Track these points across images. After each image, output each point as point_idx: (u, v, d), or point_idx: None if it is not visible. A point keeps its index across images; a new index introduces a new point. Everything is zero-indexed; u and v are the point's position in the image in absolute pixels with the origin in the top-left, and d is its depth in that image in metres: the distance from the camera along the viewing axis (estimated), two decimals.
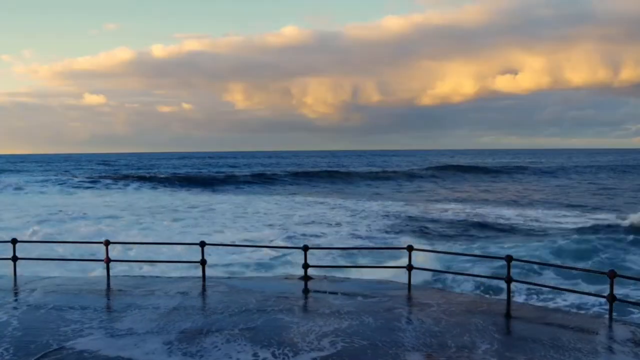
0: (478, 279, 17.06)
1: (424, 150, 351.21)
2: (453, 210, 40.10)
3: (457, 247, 26.09)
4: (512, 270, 10.29)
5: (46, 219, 34.10)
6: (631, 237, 26.81)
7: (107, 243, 12.54)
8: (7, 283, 12.05)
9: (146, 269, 16.58)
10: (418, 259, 12.69)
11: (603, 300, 10.19)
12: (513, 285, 10.70)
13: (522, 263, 17.01)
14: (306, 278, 11.95)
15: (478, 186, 67.37)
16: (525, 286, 16.05)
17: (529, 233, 30.19)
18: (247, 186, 67.01)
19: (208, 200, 48.22)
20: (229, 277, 13.79)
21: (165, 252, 19.65)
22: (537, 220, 34.75)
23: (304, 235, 28.68)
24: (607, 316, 9.40)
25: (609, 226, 31.20)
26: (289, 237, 27.86)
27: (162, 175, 75.24)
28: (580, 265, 20.97)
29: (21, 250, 13.34)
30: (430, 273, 13.64)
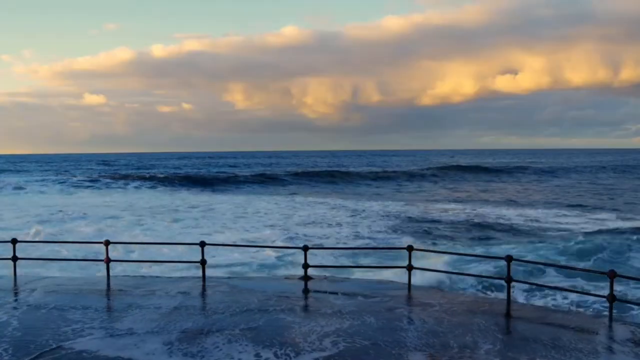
0: (479, 279, 17.05)
1: (424, 150, 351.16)
2: (454, 211, 40.09)
3: (457, 247, 26.08)
4: (517, 271, 10.29)
5: (46, 219, 34.08)
6: (635, 237, 26.81)
7: (107, 243, 12.53)
8: (7, 283, 12.04)
9: (146, 269, 16.57)
10: (419, 259, 12.70)
11: (603, 300, 10.18)
12: (514, 285, 10.70)
13: (525, 264, 17.01)
14: (306, 278, 11.95)
15: (478, 186, 67.36)
16: (526, 286, 16.04)
17: (530, 233, 30.17)
18: (247, 186, 66.98)
19: (208, 200, 48.20)
20: (229, 277, 13.78)
21: (165, 252, 19.65)
22: (537, 221, 34.73)
23: (304, 235, 28.66)
24: (607, 315, 9.39)
25: (616, 228, 31.12)
26: (290, 238, 27.84)
27: (162, 175, 75.18)
28: (582, 265, 20.97)
29: (21, 250, 13.35)
30: (430, 273, 13.61)
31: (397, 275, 14.27)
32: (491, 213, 38.51)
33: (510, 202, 47.24)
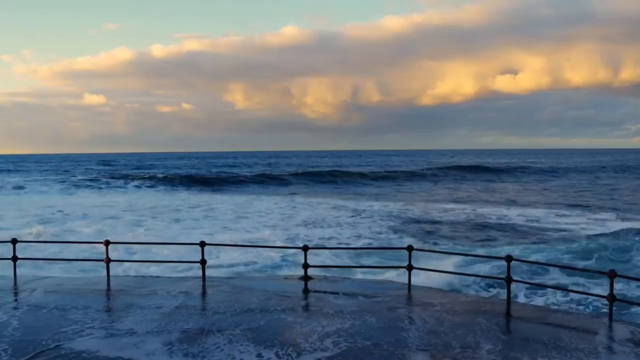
0: (479, 279, 17.06)
1: (424, 150, 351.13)
2: (454, 211, 40.08)
3: (458, 247, 26.08)
4: (517, 271, 10.29)
5: (46, 219, 34.10)
6: (636, 237, 26.81)
7: (107, 243, 12.53)
8: (7, 283, 12.03)
9: (146, 269, 16.57)
10: (420, 259, 12.69)
11: (603, 300, 10.18)
12: (515, 285, 10.70)
13: (525, 264, 17.01)
14: (306, 278, 11.94)
15: (479, 186, 67.36)
16: (527, 286, 16.04)
17: (530, 233, 30.16)
18: (247, 186, 66.99)
19: (208, 200, 48.21)
20: (229, 278, 13.78)
21: (166, 253, 19.65)
22: (537, 221, 34.72)
23: (305, 236, 28.66)
24: (607, 315, 9.39)
25: (616, 228, 31.11)
26: (290, 238, 27.84)
27: (162, 175, 75.15)
28: (583, 265, 20.97)
29: (21, 251, 13.34)
30: (430, 273, 13.61)
31: (397, 276, 14.28)
32: (492, 213, 38.50)
33: (511, 202, 47.23)
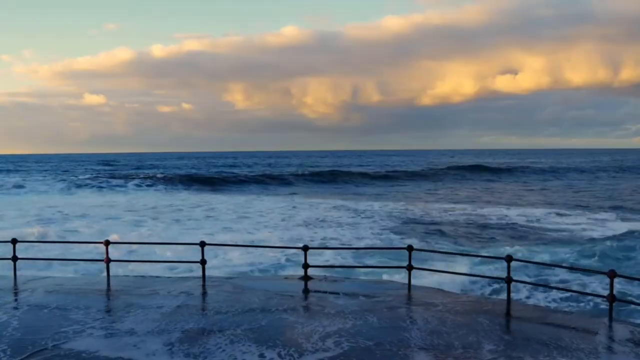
0: (479, 279, 17.05)
1: (424, 150, 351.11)
2: (454, 211, 40.08)
3: (458, 247, 26.09)
4: (517, 271, 10.29)
5: (46, 219, 34.11)
6: (636, 237, 26.79)
7: (107, 243, 12.53)
8: (7, 283, 12.03)
9: (147, 269, 16.57)
10: (420, 260, 12.69)
11: (603, 299, 10.18)
12: (515, 285, 10.70)
13: (526, 264, 17.00)
14: (306, 278, 11.94)
15: (479, 186, 67.37)
16: (527, 286, 16.05)
17: (531, 233, 30.16)
18: (247, 186, 67.00)
19: (209, 200, 48.21)
20: (229, 277, 13.78)
21: (166, 253, 19.65)
22: (538, 220, 34.74)
23: (305, 236, 28.66)
24: (607, 315, 9.38)
25: (616, 228, 31.10)
26: (290, 238, 27.84)
27: (162, 175, 75.15)
28: (583, 265, 20.97)
29: (21, 251, 13.34)
30: (431, 273, 13.62)
31: (398, 276, 14.28)
32: (492, 213, 38.51)
33: (511, 202, 47.23)
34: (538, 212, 39.10)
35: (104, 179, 70.13)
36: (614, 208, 41.63)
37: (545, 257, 22.78)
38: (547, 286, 15.84)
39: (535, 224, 33.30)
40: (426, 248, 22.79)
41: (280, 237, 28.23)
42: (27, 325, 8.81)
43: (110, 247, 12.52)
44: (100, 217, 35.01)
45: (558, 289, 15.67)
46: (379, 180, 77.30)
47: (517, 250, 24.06)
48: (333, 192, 60.65)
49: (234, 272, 18.35)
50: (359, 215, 37.15)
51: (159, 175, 74.87)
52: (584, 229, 30.76)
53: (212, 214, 38.02)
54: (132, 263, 16.10)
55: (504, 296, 10.78)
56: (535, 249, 25.13)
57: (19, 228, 28.80)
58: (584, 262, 21.95)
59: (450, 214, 38.01)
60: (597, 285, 17.40)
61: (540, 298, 16.28)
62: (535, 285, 15.39)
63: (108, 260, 12.42)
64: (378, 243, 27.04)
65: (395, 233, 29.98)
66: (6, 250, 13.35)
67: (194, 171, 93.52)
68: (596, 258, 22.71)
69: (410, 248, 11.49)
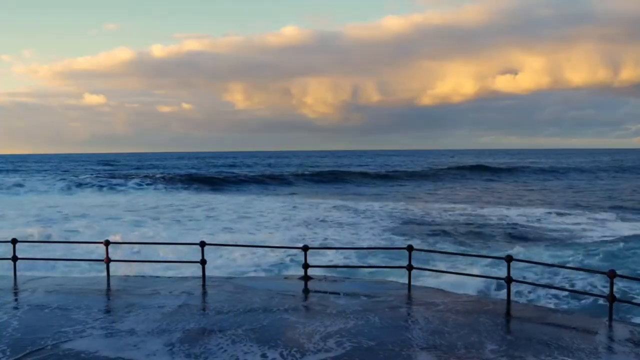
0: (479, 279, 17.04)
1: (424, 150, 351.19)
2: (454, 211, 40.07)
3: (458, 247, 26.09)
4: (517, 271, 10.30)
5: (46, 219, 34.10)
6: (636, 237, 26.82)
7: (107, 243, 12.54)
8: (7, 283, 12.04)
9: (147, 269, 16.57)
10: (420, 260, 12.70)
11: (603, 299, 10.18)
12: (515, 285, 10.70)
13: (526, 264, 17.00)
14: (306, 278, 11.94)
15: (479, 186, 67.37)
16: (527, 286, 16.04)
17: (531, 233, 30.17)
18: (247, 186, 66.98)
19: (209, 200, 48.21)
20: (230, 277, 13.78)
21: (166, 252, 19.64)
22: (538, 220, 34.74)
23: (305, 236, 28.67)
24: (607, 315, 9.39)
25: (616, 228, 31.12)
26: (291, 238, 27.84)
27: (162, 175, 75.12)
28: (583, 265, 20.97)
29: (21, 251, 13.34)
30: (432, 273, 13.63)
31: (398, 276, 14.26)
32: (492, 213, 38.50)
33: (511, 202, 47.23)
34: (538, 212, 39.09)
35: (104, 178, 70.14)
36: (614, 208, 41.64)
37: (545, 257, 22.78)
38: (547, 286, 15.84)
39: (536, 224, 33.30)
40: (426, 248, 22.80)
41: (280, 237, 28.23)
42: (27, 325, 8.81)
43: (110, 247, 12.53)
44: (100, 217, 35.00)
45: (558, 288, 15.67)
46: (379, 180, 77.29)
47: (517, 250, 24.06)
48: (333, 192, 60.65)
49: (235, 272, 18.35)
50: (359, 215, 37.14)
51: (159, 175, 74.85)
52: (584, 229, 30.76)
53: (212, 214, 38.01)
54: (133, 263, 16.10)
55: (504, 296, 10.79)
56: (536, 248, 25.14)
57: (19, 228, 28.81)
58: (584, 262, 21.95)
59: (450, 214, 38.00)
60: (597, 285, 17.41)
61: (540, 298, 16.28)
62: (536, 285, 15.39)
63: (108, 260, 12.42)
64: (378, 243, 27.04)
65: (396, 233, 29.98)
66: (6, 250, 13.36)
67: (194, 171, 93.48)
68: (596, 258, 22.72)
69: (410, 248, 11.49)
